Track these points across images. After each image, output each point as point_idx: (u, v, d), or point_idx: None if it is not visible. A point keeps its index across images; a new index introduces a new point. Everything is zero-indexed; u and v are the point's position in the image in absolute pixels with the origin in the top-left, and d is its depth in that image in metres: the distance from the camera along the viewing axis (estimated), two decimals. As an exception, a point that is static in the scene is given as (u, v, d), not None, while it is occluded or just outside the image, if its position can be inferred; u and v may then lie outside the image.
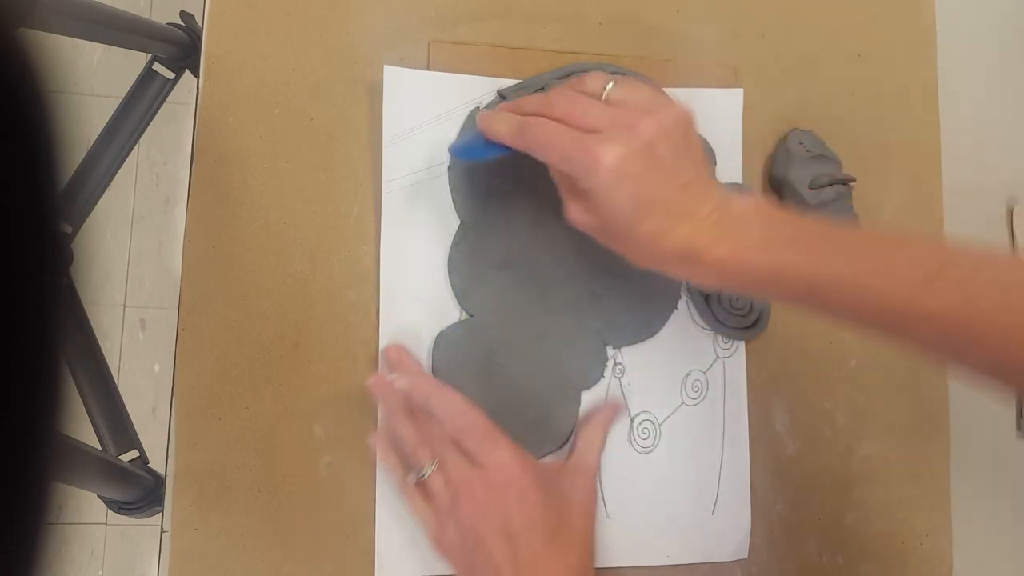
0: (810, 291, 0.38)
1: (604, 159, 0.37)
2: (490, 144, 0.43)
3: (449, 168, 0.49)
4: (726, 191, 0.40)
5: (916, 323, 0.36)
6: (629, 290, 0.50)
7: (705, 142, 0.52)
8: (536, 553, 0.40)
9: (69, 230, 0.84)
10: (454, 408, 0.42)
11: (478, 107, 0.49)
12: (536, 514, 0.41)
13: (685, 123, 0.40)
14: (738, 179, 0.53)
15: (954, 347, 0.37)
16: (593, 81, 0.41)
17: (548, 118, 0.40)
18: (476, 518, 0.41)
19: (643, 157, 0.38)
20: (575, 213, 0.41)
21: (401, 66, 0.49)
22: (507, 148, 0.42)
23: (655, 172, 0.38)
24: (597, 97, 0.40)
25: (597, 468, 0.46)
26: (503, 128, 0.42)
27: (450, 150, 0.47)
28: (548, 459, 0.48)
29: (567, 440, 0.48)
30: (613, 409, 0.48)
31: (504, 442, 0.42)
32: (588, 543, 0.44)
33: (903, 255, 0.37)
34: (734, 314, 0.51)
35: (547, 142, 0.40)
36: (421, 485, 0.43)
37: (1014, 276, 0.36)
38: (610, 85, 0.40)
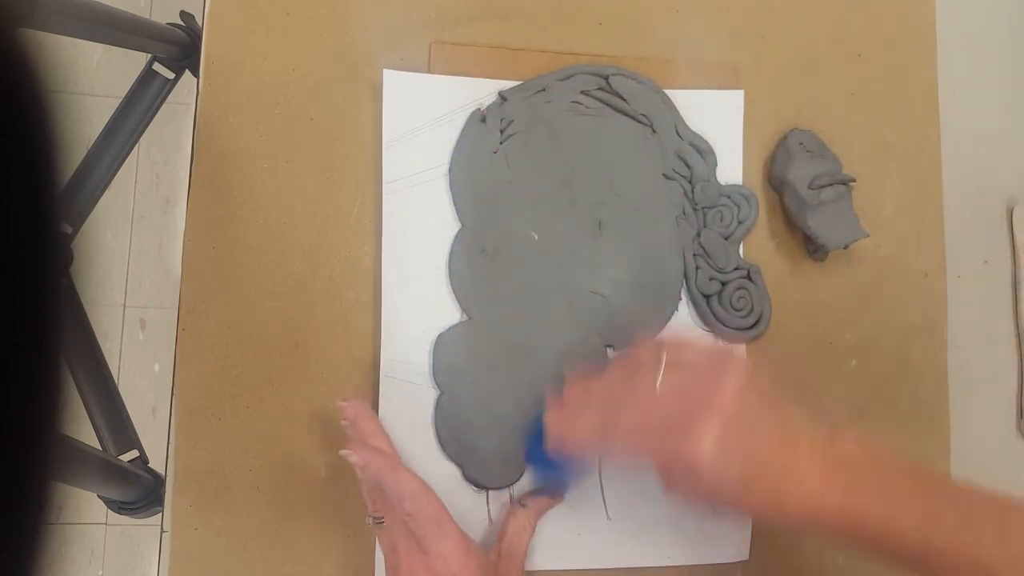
0: (922, 555, 0.35)
1: (696, 454, 0.37)
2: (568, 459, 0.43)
3: (450, 169, 0.49)
4: (821, 427, 0.38)
5: None
6: (629, 291, 0.50)
7: (705, 142, 0.52)
8: None
9: (69, 230, 0.84)
10: (404, 491, 0.41)
11: (479, 108, 0.49)
12: None
13: (752, 379, 0.39)
14: (738, 179, 0.53)
15: None
16: (645, 373, 0.39)
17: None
18: None
19: (734, 431, 0.37)
20: (679, 495, 0.40)
21: (402, 67, 0.49)
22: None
23: (747, 441, 0.37)
24: (651, 385, 0.39)
25: (525, 554, 0.46)
26: (585, 433, 0.41)
27: (528, 462, 0.47)
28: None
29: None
30: (547, 503, 0.47)
31: (451, 531, 0.41)
32: None
33: (1020, 524, 0.34)
34: (734, 314, 0.51)
35: (639, 450, 0.39)
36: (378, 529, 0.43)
37: None
38: (660, 377, 0.39)
